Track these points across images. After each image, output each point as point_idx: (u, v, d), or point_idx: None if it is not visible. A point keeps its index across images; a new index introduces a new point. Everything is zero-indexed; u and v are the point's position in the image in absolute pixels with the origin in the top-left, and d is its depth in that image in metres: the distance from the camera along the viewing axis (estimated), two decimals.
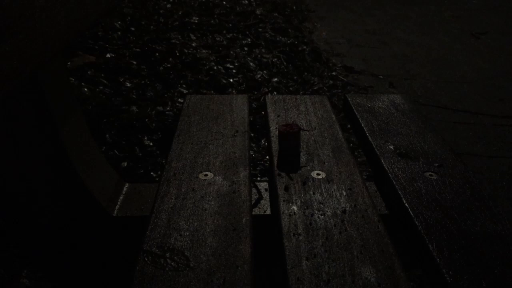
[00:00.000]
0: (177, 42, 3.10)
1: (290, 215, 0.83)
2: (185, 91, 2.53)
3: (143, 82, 2.58)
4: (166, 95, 2.47)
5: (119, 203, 1.20)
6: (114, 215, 1.16)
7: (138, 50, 2.91)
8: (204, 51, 3.04)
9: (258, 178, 1.93)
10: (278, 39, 3.50)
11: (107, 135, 2.08)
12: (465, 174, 0.98)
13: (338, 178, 0.94)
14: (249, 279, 0.68)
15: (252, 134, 2.23)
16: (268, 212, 1.14)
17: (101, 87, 2.44)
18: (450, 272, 0.70)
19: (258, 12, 4.01)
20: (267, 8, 4.22)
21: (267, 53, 3.19)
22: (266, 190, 1.24)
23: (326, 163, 0.99)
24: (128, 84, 2.53)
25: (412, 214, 0.84)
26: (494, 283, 0.69)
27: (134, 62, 2.75)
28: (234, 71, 2.86)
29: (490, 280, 0.70)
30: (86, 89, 2.36)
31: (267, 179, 1.36)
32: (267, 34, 3.57)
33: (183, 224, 0.80)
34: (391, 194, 0.94)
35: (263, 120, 2.29)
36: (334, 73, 3.13)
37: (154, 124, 2.19)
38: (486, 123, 2.70)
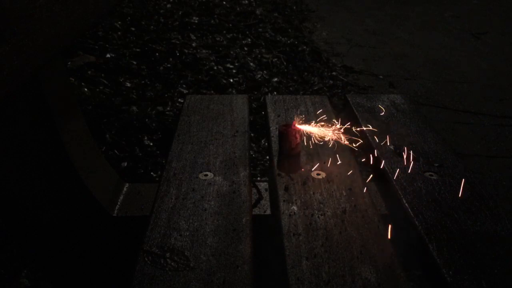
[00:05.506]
0: (177, 42, 3.10)
1: (290, 215, 0.83)
2: (185, 91, 2.53)
3: (143, 82, 2.58)
4: (166, 95, 2.47)
5: (119, 203, 1.20)
6: (114, 215, 1.17)
7: (138, 50, 2.91)
8: (204, 51, 3.04)
9: (258, 178, 1.93)
10: (278, 39, 3.50)
11: (107, 135, 2.08)
12: (465, 174, 0.98)
13: (338, 178, 0.94)
14: (249, 279, 0.68)
15: (252, 134, 2.23)
16: (268, 212, 1.14)
17: (101, 87, 2.44)
18: (450, 272, 0.70)
19: (258, 12, 4.01)
20: (267, 8, 4.22)
21: (267, 53, 3.18)
22: (266, 190, 1.24)
23: (326, 163, 0.99)
24: (128, 84, 2.53)
25: (412, 214, 0.84)
26: (494, 283, 0.69)
27: (134, 62, 2.75)
28: (234, 71, 2.85)
29: (490, 280, 0.70)
30: (86, 89, 2.36)
31: (267, 179, 1.36)
32: (267, 34, 3.57)
33: (183, 224, 0.80)
34: (391, 194, 0.94)
35: (263, 120, 2.29)
36: (334, 73, 3.12)
37: (154, 124, 2.19)
38: (486, 123, 2.70)
